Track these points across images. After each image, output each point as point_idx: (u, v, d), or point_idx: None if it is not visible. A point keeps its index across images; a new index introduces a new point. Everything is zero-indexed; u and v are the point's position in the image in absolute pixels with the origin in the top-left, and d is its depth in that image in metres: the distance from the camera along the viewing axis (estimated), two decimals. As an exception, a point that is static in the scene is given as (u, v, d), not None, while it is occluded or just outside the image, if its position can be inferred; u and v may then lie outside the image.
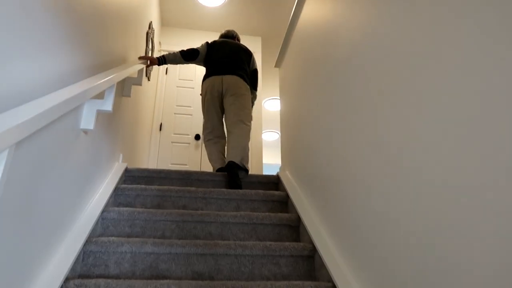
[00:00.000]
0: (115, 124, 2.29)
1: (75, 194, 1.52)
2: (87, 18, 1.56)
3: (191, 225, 1.85)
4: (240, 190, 2.16)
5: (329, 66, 1.76)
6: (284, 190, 2.29)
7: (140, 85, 2.50)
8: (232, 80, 2.76)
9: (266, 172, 7.69)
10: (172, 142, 3.95)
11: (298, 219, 1.93)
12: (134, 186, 2.08)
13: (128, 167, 2.43)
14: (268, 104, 6.32)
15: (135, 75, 2.65)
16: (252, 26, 4.55)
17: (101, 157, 1.95)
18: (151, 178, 2.35)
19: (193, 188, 2.12)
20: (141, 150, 3.44)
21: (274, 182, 2.48)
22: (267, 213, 1.94)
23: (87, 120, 1.57)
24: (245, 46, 3.08)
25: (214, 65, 2.87)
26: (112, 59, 2.13)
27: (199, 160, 3.89)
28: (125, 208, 1.82)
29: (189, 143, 3.97)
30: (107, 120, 2.06)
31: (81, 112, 1.56)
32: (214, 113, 2.82)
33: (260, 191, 2.19)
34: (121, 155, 2.45)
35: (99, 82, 1.45)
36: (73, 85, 1.32)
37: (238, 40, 3.32)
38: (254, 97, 3.06)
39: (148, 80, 3.63)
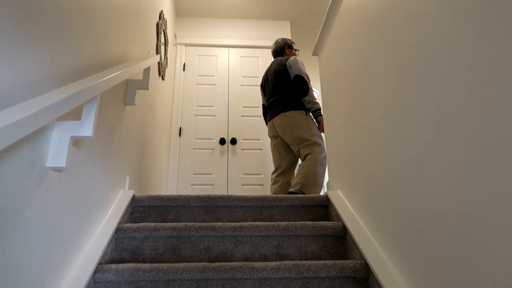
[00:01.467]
0: (118, 141, 1.79)
1: (44, 264, 1.02)
2: (64, 7, 1.04)
3: (218, 284, 1.33)
4: (281, 224, 1.62)
5: (404, 56, 1.18)
6: (338, 218, 1.73)
7: (147, 89, 1.99)
8: (280, 123, 2.69)
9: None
10: (194, 149, 3.45)
11: (367, 268, 1.38)
12: (142, 225, 1.58)
13: (137, 194, 1.94)
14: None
15: (140, 77, 2.14)
16: (279, 9, 3.96)
17: (94, 192, 1.46)
18: (166, 208, 1.84)
19: (218, 224, 1.60)
20: (157, 162, 2.95)
21: (322, 205, 1.93)
22: (322, 262, 1.39)
23: (57, 153, 1.06)
24: (279, 61, 2.86)
25: (265, 110, 2.94)
26: (107, 58, 1.62)
27: (225, 168, 3.38)
28: (126, 265, 1.32)
29: (213, 149, 3.46)
30: (104, 139, 1.56)
31: (47, 142, 1.05)
32: (275, 150, 2.78)
33: (308, 223, 1.64)
34: (127, 178, 1.96)
35: (63, 97, 0.94)
36: (21, 105, 0.81)
37: (288, 46, 3.04)
38: (308, 103, 2.69)
39: (163, 79, 3.13)
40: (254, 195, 1.89)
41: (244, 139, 3.51)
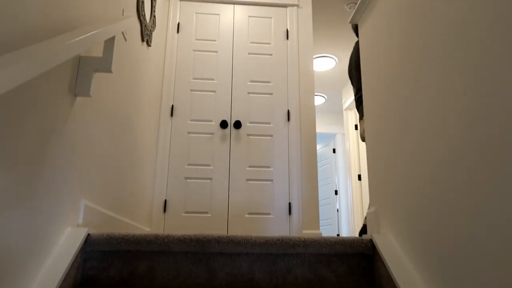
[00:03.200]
0: (61, 152, 1.17)
1: None
2: None
3: None
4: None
5: None
6: (393, 286, 1.14)
7: (110, 71, 1.33)
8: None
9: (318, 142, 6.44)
10: (188, 133, 2.82)
11: None
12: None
13: (93, 231, 1.34)
14: (315, 63, 4.98)
15: (100, 53, 1.47)
16: (298, -45, 3.15)
17: (5, 255, 0.85)
18: (135, 254, 1.25)
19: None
20: (140, 154, 2.34)
21: (364, 254, 1.32)
22: None
23: None
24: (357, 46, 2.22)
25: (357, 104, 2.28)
26: (43, 26, 0.97)
27: (227, 159, 2.76)
28: None
29: (212, 133, 2.82)
30: (27, 158, 0.94)
31: None
32: None
33: (351, 304, 1.05)
34: (82, 204, 1.35)
35: None
36: None
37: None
38: None
39: (148, 45, 2.44)
40: (265, 237, 1.29)
41: (250, 122, 2.86)
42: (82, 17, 1.32)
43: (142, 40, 2.29)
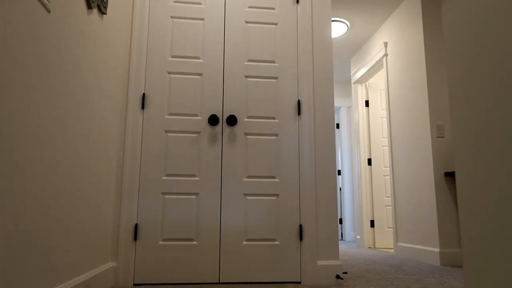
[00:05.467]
0: None
1: None
2: None
3: None
4: None
5: None
6: None
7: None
8: None
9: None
10: (166, 132, 2.11)
11: None
12: None
13: None
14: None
15: None
16: None
17: None
18: None
19: None
20: (93, 165, 1.67)
21: None
22: None
23: None
24: None
25: None
26: None
27: (218, 166, 2.09)
28: None
29: (198, 132, 2.13)
30: None
31: None
32: None
33: None
34: None
35: None
36: None
37: None
38: None
39: (101, 12, 1.69)
40: None
41: (249, 117, 2.17)
42: None
43: (89, 7, 1.53)
